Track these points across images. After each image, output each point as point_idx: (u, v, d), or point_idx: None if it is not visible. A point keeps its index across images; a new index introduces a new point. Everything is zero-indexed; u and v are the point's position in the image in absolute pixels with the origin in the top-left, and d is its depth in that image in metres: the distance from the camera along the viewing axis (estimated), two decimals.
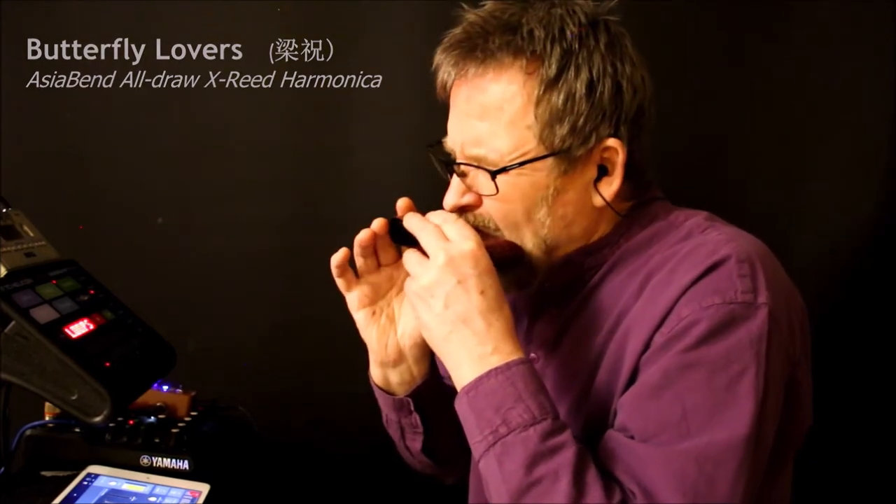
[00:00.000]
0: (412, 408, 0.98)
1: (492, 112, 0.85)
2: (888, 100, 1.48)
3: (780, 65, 1.49)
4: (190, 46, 1.58)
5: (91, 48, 1.57)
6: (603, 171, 0.88)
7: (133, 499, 1.08)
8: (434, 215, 0.87)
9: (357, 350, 1.70)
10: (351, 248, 0.93)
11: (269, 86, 1.58)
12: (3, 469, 1.13)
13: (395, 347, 0.95)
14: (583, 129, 0.84)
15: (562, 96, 0.83)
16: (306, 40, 1.57)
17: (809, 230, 1.51)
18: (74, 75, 1.58)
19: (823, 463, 1.49)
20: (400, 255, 0.93)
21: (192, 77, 1.58)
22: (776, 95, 1.51)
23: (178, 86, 1.58)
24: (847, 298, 1.52)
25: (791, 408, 0.83)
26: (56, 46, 1.57)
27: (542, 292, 0.94)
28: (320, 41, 1.56)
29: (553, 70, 0.82)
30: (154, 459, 1.15)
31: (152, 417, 1.23)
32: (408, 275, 0.87)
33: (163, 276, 1.62)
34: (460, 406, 0.82)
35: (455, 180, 0.90)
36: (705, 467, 0.74)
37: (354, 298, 0.95)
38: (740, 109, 1.51)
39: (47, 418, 1.22)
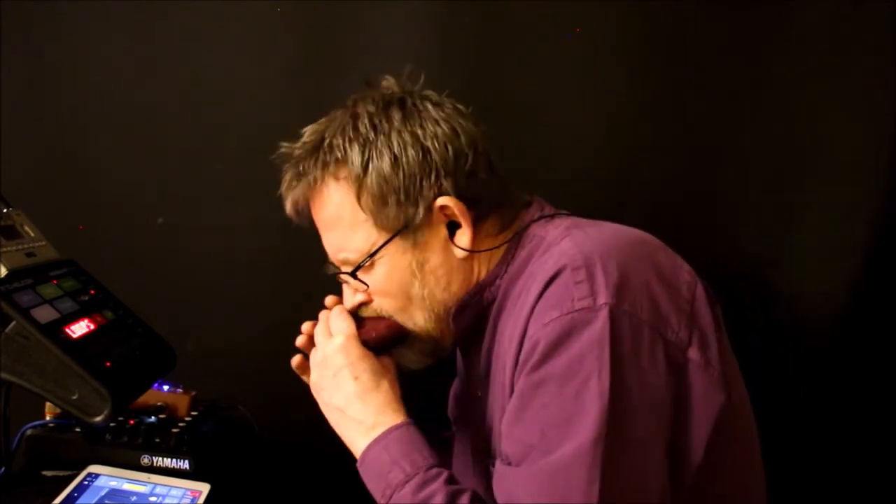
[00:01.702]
0: None
1: (333, 222, 0.96)
2: (888, 100, 1.48)
3: (780, 65, 1.49)
4: (190, 46, 1.58)
5: (91, 48, 1.57)
6: (455, 226, 0.94)
7: (133, 498, 1.08)
8: (335, 309, 1.00)
9: None
10: None
11: (269, 86, 1.59)
12: (3, 469, 1.14)
13: None
14: (407, 201, 0.91)
15: (374, 182, 0.91)
16: (306, 40, 1.57)
17: (809, 231, 1.50)
18: (74, 75, 1.58)
19: (823, 463, 1.49)
20: None
21: (192, 77, 1.58)
22: (775, 96, 1.50)
23: (178, 86, 1.58)
24: (847, 298, 1.52)
25: (690, 389, 0.83)
26: (56, 46, 1.57)
27: (461, 339, 1.02)
28: (320, 41, 1.56)
29: (357, 165, 0.91)
30: (154, 459, 1.15)
31: (152, 417, 1.23)
32: None
33: (163, 276, 1.62)
34: (362, 479, 0.90)
35: (343, 287, 1.02)
36: (555, 480, 0.76)
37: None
38: (740, 110, 1.51)
39: (48, 418, 1.22)
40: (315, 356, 0.96)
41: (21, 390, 0.98)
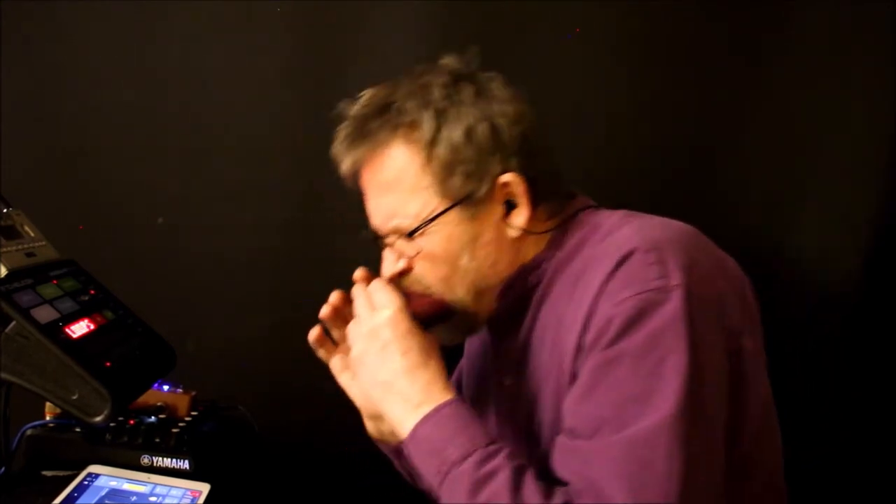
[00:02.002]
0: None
1: (392, 186, 0.94)
2: (888, 100, 1.48)
3: (780, 65, 1.49)
4: (190, 46, 1.58)
5: (91, 48, 1.57)
6: (511, 206, 0.95)
7: (133, 498, 1.08)
8: (373, 283, 0.96)
9: None
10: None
11: (269, 86, 1.59)
12: (3, 469, 1.14)
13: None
14: (474, 173, 0.91)
15: (444, 150, 0.91)
16: (306, 40, 1.57)
17: (809, 231, 1.50)
18: (75, 75, 1.58)
19: (824, 463, 1.49)
20: None
21: (193, 77, 1.58)
22: (775, 96, 1.51)
23: (178, 86, 1.58)
24: (847, 298, 1.52)
25: (744, 376, 0.85)
26: (56, 46, 1.57)
27: (495, 320, 1.00)
28: (320, 41, 1.56)
29: (430, 131, 0.91)
30: (154, 459, 1.15)
31: (152, 417, 1.23)
32: None
33: (163, 276, 1.62)
34: (410, 457, 0.88)
35: (386, 253, 0.99)
36: (638, 452, 0.76)
37: (336, 364, 1.02)
38: (740, 110, 1.51)
39: (48, 418, 1.22)
40: (358, 329, 0.93)
41: (21, 390, 0.97)
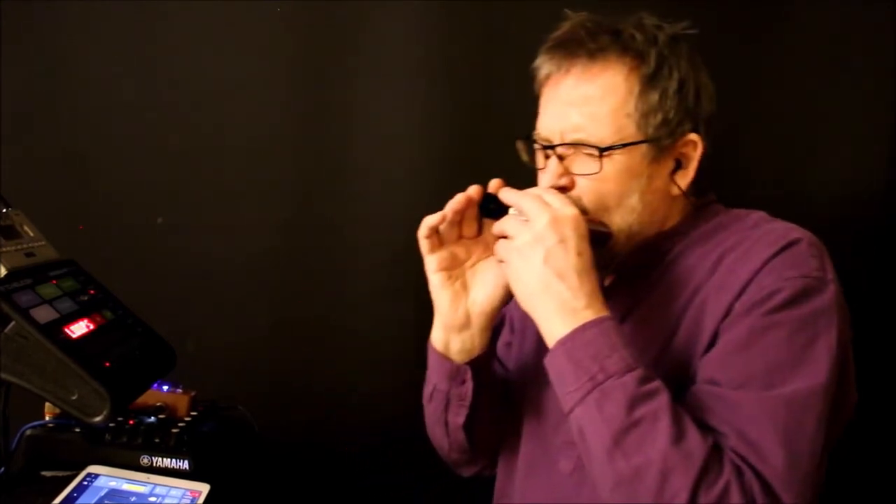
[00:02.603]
0: (467, 377, 1.02)
1: (595, 101, 0.94)
2: (888, 100, 1.48)
3: (780, 65, 1.49)
4: (190, 46, 1.58)
5: (91, 48, 1.57)
6: (677, 166, 0.98)
7: (133, 499, 1.08)
8: (530, 190, 0.94)
9: (357, 350, 1.70)
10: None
11: (269, 86, 1.59)
12: (3, 469, 1.13)
13: (465, 313, 1.01)
14: (671, 122, 0.95)
15: (658, 91, 0.94)
16: (306, 40, 1.57)
17: (809, 231, 1.50)
18: (75, 76, 1.58)
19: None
20: (479, 233, 1.02)
21: (193, 77, 1.58)
22: (775, 96, 1.51)
23: (178, 86, 1.58)
24: (847, 298, 1.52)
25: (843, 381, 0.90)
26: (56, 46, 1.57)
27: (619, 272, 1.02)
28: (320, 41, 1.56)
29: (652, 68, 0.94)
30: (154, 459, 1.15)
31: (152, 417, 1.23)
32: (488, 251, 0.98)
33: (163, 276, 1.62)
34: (554, 358, 0.87)
35: (553, 163, 0.97)
36: (794, 410, 0.82)
37: (434, 260, 1.00)
38: (739, 110, 1.51)
39: (47, 418, 1.22)
40: (538, 217, 0.89)
41: (21, 390, 0.97)
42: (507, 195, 0.93)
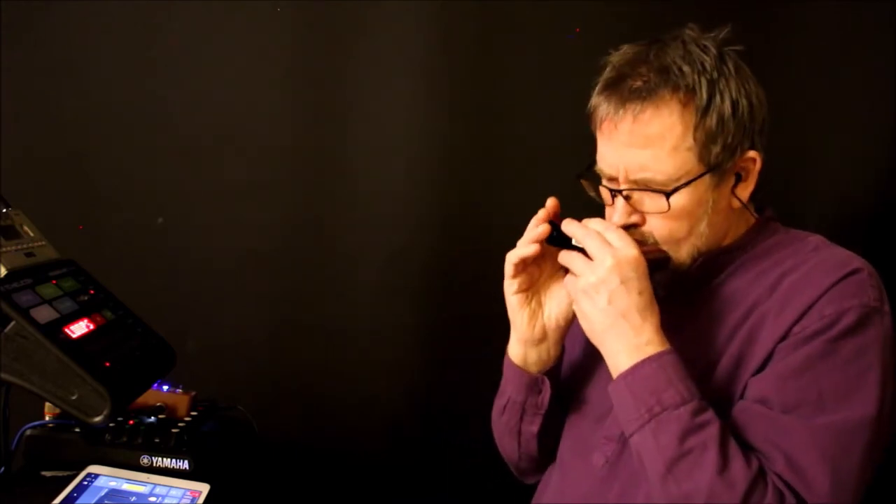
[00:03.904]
0: (544, 386, 1.08)
1: (655, 141, 0.95)
2: (888, 100, 1.48)
3: (780, 65, 1.48)
4: (190, 46, 1.58)
5: (91, 48, 1.57)
6: (738, 178, 1.00)
7: (133, 499, 1.08)
8: (593, 223, 0.97)
9: (357, 350, 1.70)
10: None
11: (269, 86, 1.59)
12: (3, 469, 1.14)
13: (542, 328, 1.06)
14: (732, 144, 0.96)
15: (714, 119, 0.95)
16: (306, 40, 1.57)
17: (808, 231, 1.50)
18: (75, 75, 1.58)
19: None
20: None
21: (193, 77, 1.58)
22: (775, 96, 1.50)
23: (179, 86, 1.58)
24: None
25: (891, 409, 0.92)
26: (56, 46, 1.57)
27: (675, 285, 1.03)
28: (320, 41, 1.56)
29: (704, 99, 0.95)
30: (154, 459, 1.15)
31: (152, 417, 1.23)
32: (557, 267, 1.01)
33: (163, 275, 1.62)
34: (617, 389, 0.94)
35: (621, 203, 1.00)
36: (842, 439, 0.86)
37: (515, 284, 1.05)
38: None
39: (47, 418, 1.22)
40: (602, 259, 0.94)
41: (21, 390, 0.97)
42: (571, 229, 0.98)
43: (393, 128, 1.59)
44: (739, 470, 0.86)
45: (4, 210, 1.12)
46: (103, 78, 1.58)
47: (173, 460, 1.15)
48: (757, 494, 0.85)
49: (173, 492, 1.11)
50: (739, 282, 1.02)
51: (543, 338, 1.07)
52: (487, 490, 1.55)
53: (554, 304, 1.07)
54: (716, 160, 0.96)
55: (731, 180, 0.99)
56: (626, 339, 0.93)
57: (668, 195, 0.96)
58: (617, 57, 1.00)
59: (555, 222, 1.01)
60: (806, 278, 0.95)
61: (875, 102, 1.49)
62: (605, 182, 1.02)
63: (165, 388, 1.28)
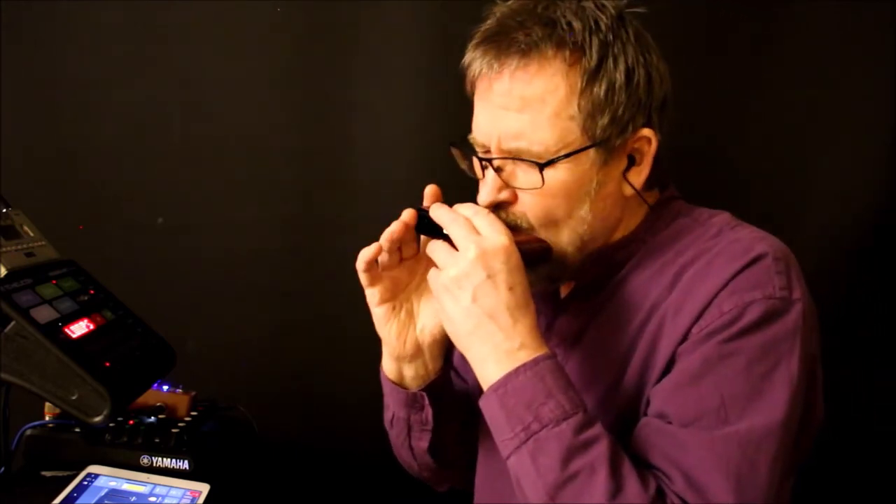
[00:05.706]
0: (425, 402, 0.97)
1: (534, 104, 0.83)
2: (888, 100, 1.48)
3: (780, 65, 1.49)
4: (190, 46, 1.58)
5: (91, 48, 1.57)
6: (630, 162, 0.88)
7: (133, 499, 1.08)
8: (464, 207, 0.85)
9: (357, 350, 1.70)
10: (359, 246, 0.92)
11: (269, 86, 1.59)
12: (3, 469, 1.14)
13: (414, 342, 0.94)
14: (622, 118, 0.84)
15: (603, 87, 0.83)
16: (306, 40, 1.57)
17: (809, 232, 1.50)
18: (75, 75, 1.58)
19: (823, 463, 1.49)
20: (420, 250, 0.93)
21: (193, 77, 1.58)
22: (775, 96, 1.50)
23: (179, 85, 1.58)
24: (847, 298, 1.52)
25: (809, 402, 0.85)
26: (56, 46, 1.57)
27: (577, 282, 0.94)
28: (320, 41, 1.56)
29: (594, 61, 0.82)
30: (154, 459, 1.15)
31: (152, 417, 1.23)
32: (429, 267, 0.86)
33: (163, 276, 1.62)
34: (488, 403, 0.81)
35: (490, 176, 0.88)
36: (747, 451, 0.76)
37: (376, 294, 0.93)
38: (739, 111, 1.51)
39: (47, 418, 1.22)
40: (465, 249, 0.81)
41: (21, 390, 0.97)
42: (439, 215, 0.85)
43: (393, 128, 1.59)
44: (634, 494, 0.74)
45: (4, 210, 1.12)
46: (103, 78, 1.58)
47: (173, 460, 1.15)
48: None
49: (173, 492, 1.11)
50: (639, 279, 0.90)
51: (418, 353, 0.94)
52: None
53: (428, 315, 0.93)
54: (602, 134, 0.83)
55: (623, 162, 0.87)
56: (495, 343, 0.80)
57: (541, 167, 0.83)
58: (501, 8, 0.87)
59: (423, 209, 0.88)
60: (706, 270, 0.84)
61: (875, 103, 1.49)
62: (476, 150, 0.90)
63: (165, 388, 1.28)
